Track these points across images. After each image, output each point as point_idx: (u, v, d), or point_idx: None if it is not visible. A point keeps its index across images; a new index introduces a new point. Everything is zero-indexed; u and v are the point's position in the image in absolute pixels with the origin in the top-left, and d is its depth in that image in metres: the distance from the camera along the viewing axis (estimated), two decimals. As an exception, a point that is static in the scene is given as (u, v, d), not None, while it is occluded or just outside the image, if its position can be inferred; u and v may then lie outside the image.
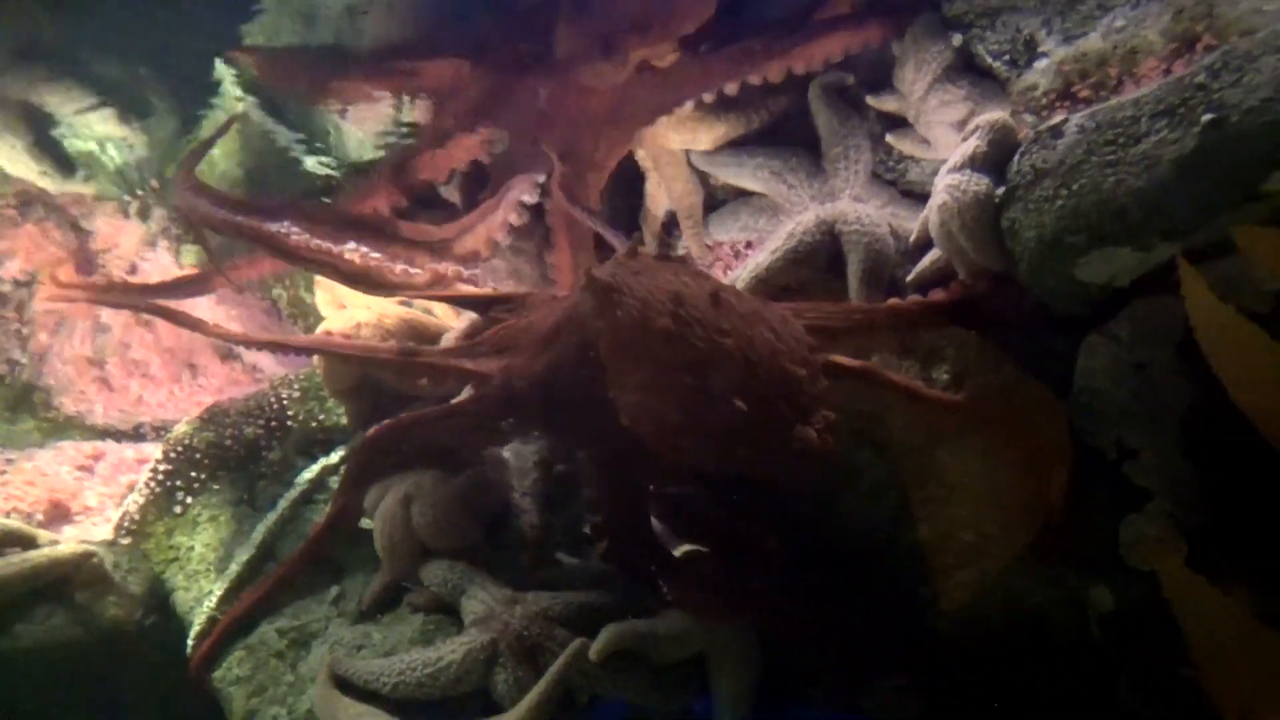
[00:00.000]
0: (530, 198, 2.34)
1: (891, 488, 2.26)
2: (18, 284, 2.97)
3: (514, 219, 2.31)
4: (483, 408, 2.03)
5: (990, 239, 1.95)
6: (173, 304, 2.45)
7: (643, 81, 2.32)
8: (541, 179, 2.36)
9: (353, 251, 2.17)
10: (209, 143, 2.50)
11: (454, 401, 2.12)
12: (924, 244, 2.17)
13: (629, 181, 2.63)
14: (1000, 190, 1.94)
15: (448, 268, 2.23)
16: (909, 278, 2.17)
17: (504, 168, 2.40)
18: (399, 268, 2.20)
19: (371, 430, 2.16)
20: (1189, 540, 1.82)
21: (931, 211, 2.05)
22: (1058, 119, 1.88)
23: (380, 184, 2.42)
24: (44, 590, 2.35)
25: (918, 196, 2.26)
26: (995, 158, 1.97)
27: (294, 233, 2.17)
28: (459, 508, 2.17)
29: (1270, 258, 1.38)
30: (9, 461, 2.74)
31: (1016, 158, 1.92)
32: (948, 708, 2.11)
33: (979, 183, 1.95)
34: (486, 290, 2.33)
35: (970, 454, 2.13)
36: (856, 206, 2.23)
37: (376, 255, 2.19)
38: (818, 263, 2.24)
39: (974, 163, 1.98)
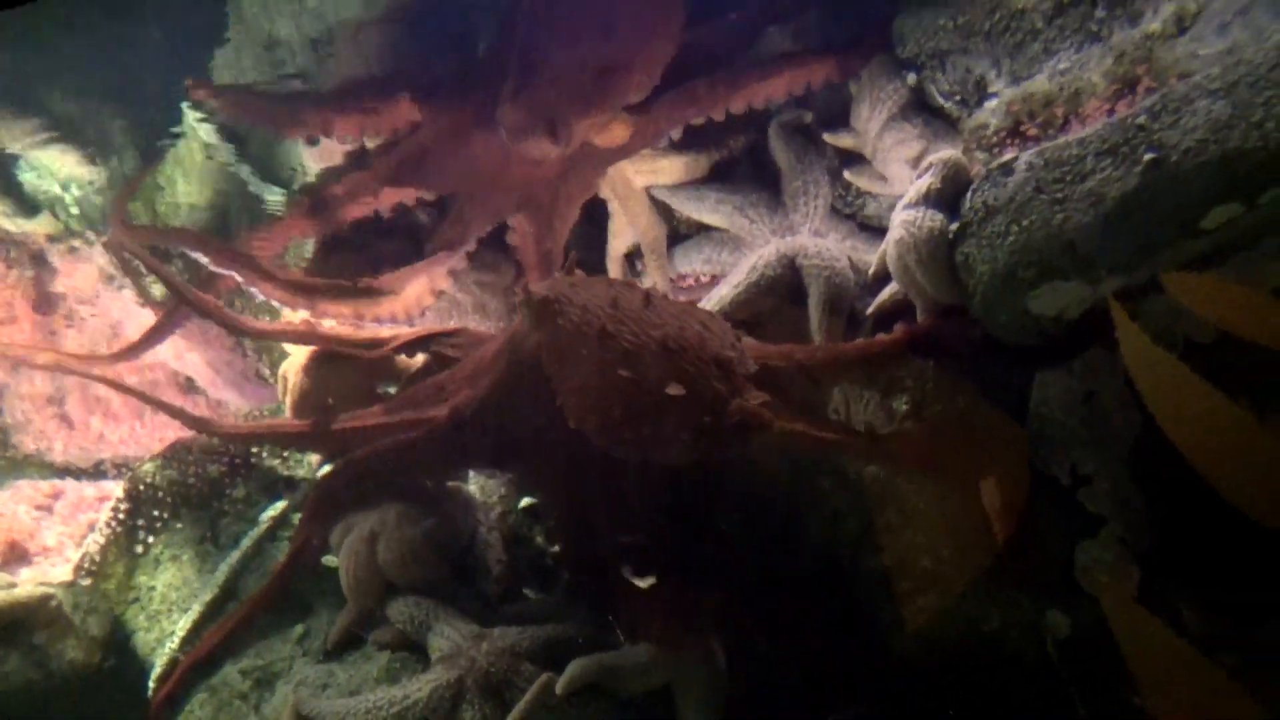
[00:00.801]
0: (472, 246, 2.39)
1: (852, 514, 2.29)
2: (-25, 323, 2.94)
3: (458, 266, 2.35)
4: (434, 441, 2.05)
5: (945, 273, 2.01)
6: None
7: (590, 146, 2.35)
8: (489, 228, 2.40)
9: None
10: (135, 184, 2.50)
11: (407, 437, 2.13)
12: (882, 276, 2.21)
13: (592, 213, 2.66)
14: (954, 226, 1.99)
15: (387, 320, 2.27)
16: (868, 310, 2.21)
17: (458, 211, 2.42)
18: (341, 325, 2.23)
19: (330, 467, 2.16)
20: (1140, 565, 1.87)
21: (889, 246, 2.10)
22: (1008, 157, 1.93)
23: (297, 219, 2.43)
24: (0, 633, 2.31)
25: (875, 230, 2.31)
26: (949, 194, 2.03)
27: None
28: (424, 543, 2.17)
29: (1198, 301, 1.43)
30: (-35, 501, 2.69)
31: (969, 194, 1.98)
32: (910, 734, 2.13)
33: (933, 219, 2.00)
34: (425, 329, 2.37)
35: (928, 481, 2.17)
36: (816, 240, 2.27)
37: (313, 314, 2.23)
38: (779, 294, 2.28)
39: (928, 199, 2.03)
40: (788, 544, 2.40)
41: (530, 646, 2.04)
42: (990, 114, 2.01)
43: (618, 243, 2.59)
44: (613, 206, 2.55)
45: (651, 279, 2.55)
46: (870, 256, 2.26)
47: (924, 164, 2.09)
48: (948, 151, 2.07)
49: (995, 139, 2.01)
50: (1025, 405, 2.02)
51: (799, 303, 2.26)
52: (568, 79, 2.22)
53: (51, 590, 2.28)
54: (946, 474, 2.15)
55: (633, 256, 2.62)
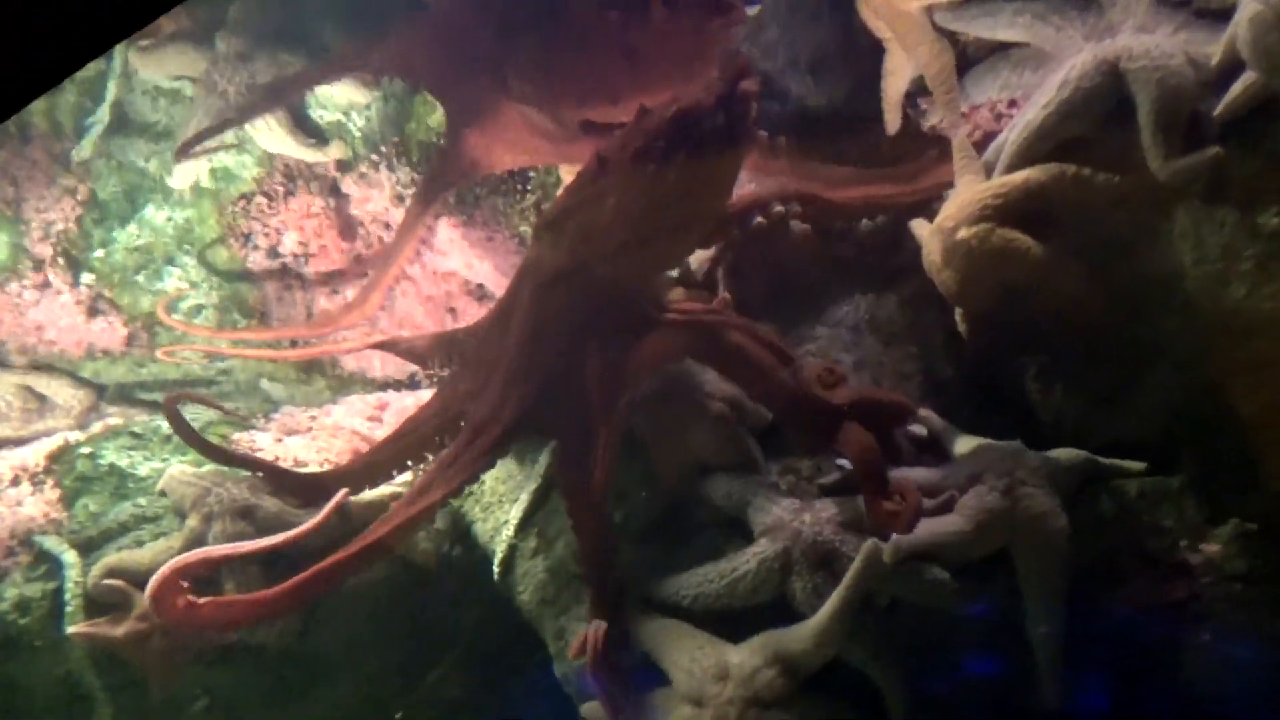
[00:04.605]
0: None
1: (1206, 354, 2.02)
2: (296, 256, 3.23)
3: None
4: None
5: (1327, 47, 1.65)
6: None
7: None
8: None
9: None
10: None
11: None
12: (1229, 68, 1.87)
13: (858, 55, 2.43)
14: (1337, -16, 1.62)
15: None
16: (1217, 110, 1.88)
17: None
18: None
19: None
20: None
21: (1239, 27, 1.77)
22: None
23: None
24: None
25: (1217, 15, 1.94)
26: (1325, -54, 1.65)
27: None
28: (736, 422, 2.15)
29: None
30: (313, 419, 3.00)
31: (1356, -61, 1.59)
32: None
33: (1306, -20, 1.63)
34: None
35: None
36: (1142, 38, 1.94)
37: None
38: (1098, 112, 1.99)
39: (1297, -43, 1.66)
40: (1125, 401, 2.16)
41: (854, 517, 1.98)
42: None
43: (894, 81, 2.34)
44: (886, 41, 2.31)
45: (939, 116, 2.30)
46: (1212, 48, 1.90)
47: (1287, -86, 1.70)
48: (1317, -109, 1.67)
49: None
50: None
51: (1123, 122, 1.95)
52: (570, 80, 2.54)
53: (399, 489, 2.49)
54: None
55: (915, 95, 2.37)
